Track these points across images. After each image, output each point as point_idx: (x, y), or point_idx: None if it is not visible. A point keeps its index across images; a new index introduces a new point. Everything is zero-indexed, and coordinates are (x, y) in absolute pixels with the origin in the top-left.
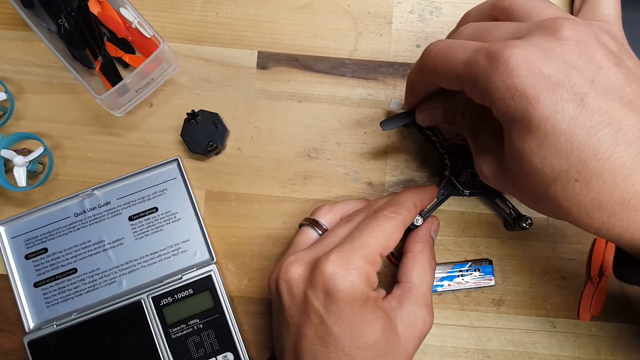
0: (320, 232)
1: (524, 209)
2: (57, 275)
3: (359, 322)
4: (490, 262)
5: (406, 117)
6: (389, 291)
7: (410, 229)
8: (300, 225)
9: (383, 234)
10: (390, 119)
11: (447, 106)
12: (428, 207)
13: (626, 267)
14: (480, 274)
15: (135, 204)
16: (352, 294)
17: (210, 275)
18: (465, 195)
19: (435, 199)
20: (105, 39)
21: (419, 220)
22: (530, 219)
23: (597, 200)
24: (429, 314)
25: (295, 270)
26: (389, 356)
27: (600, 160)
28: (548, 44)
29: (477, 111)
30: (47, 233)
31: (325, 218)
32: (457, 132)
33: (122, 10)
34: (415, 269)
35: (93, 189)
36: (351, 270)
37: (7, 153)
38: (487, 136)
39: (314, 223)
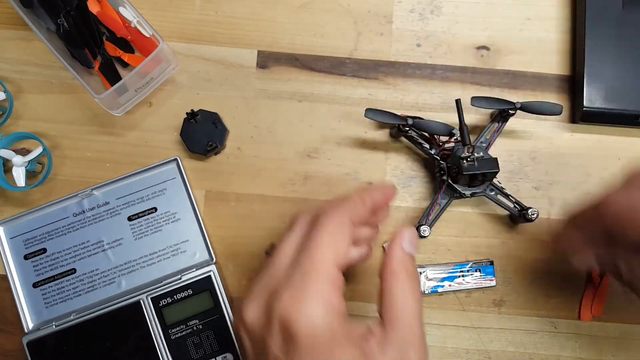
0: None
1: (527, 202)
2: (56, 275)
3: None
4: (491, 263)
5: (393, 119)
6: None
7: None
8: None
9: (330, 239)
10: (376, 112)
11: (604, 253)
12: (433, 215)
13: None
14: (481, 274)
15: (135, 204)
16: (313, 333)
17: (209, 276)
18: (467, 196)
19: (438, 206)
20: (104, 38)
21: (425, 231)
22: (537, 211)
23: None
24: (419, 351)
25: (251, 314)
26: None
27: None
28: None
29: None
30: (46, 233)
31: None
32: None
33: (122, 10)
34: (395, 296)
35: (92, 189)
36: (309, 302)
37: (6, 153)
38: None
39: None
